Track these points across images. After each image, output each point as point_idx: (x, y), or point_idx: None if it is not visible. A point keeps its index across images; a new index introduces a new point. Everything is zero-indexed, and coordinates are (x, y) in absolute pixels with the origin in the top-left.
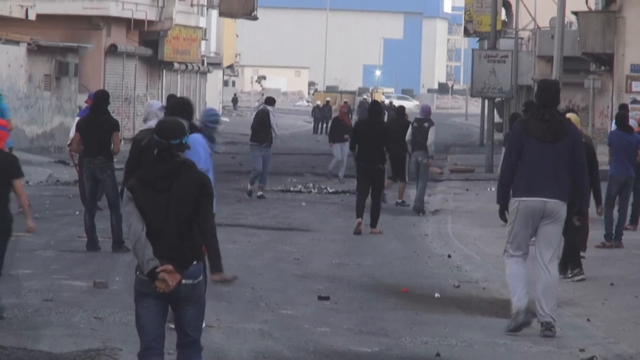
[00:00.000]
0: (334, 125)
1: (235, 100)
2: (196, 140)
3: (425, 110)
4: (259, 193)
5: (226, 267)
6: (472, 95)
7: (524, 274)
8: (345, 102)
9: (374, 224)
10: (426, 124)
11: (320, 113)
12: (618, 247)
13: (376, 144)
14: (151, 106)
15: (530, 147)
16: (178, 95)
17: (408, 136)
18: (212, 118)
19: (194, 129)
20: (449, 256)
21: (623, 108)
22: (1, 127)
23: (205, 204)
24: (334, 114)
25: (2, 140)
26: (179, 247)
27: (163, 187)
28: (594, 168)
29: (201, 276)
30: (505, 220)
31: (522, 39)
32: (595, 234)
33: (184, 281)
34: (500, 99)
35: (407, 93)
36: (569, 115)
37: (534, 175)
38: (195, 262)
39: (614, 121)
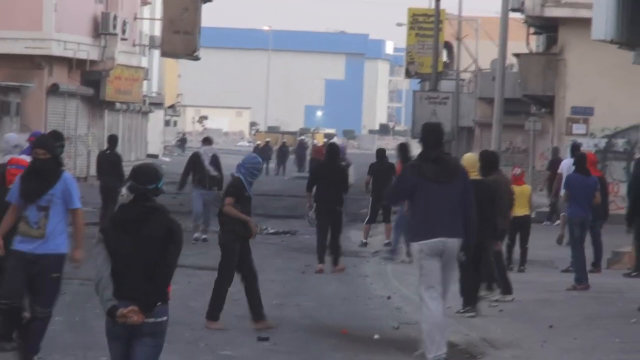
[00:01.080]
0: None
1: (183, 141)
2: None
3: (341, 150)
4: (203, 236)
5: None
6: (413, 137)
7: (442, 318)
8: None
9: (336, 261)
10: (343, 163)
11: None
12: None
13: (335, 185)
14: (7, 142)
15: (425, 189)
16: (119, 135)
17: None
18: (255, 165)
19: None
20: (389, 297)
21: (577, 149)
22: (20, 166)
23: (172, 249)
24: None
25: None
26: (143, 289)
27: (133, 230)
28: (493, 206)
29: (165, 317)
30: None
31: (463, 80)
32: (567, 276)
33: (147, 320)
34: None
35: (349, 134)
36: (466, 155)
37: (432, 217)
38: (159, 303)
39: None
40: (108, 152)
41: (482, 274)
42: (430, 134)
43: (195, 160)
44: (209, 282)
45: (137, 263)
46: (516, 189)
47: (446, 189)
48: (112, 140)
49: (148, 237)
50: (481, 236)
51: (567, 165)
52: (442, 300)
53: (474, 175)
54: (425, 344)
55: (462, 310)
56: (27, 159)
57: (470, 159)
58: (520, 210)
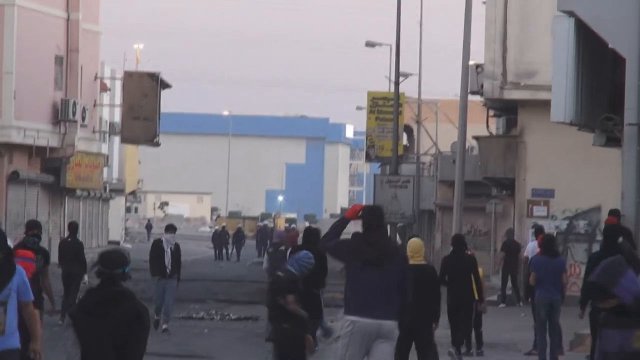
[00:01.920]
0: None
1: (149, 227)
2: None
3: (280, 235)
4: (164, 326)
5: None
6: None
7: None
8: (294, 228)
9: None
10: (282, 248)
11: (217, 238)
12: None
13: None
14: None
15: (361, 271)
16: (80, 222)
17: (265, 263)
18: (309, 264)
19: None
20: None
21: (541, 231)
22: (27, 259)
23: (140, 332)
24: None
25: (29, 272)
26: None
27: (100, 315)
28: (436, 290)
29: None
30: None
31: (423, 163)
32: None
33: None
34: (402, 224)
35: (310, 218)
36: (412, 240)
37: (366, 298)
38: None
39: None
40: (69, 239)
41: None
42: (370, 216)
43: (156, 248)
44: None
45: (106, 346)
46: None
47: (383, 271)
48: (73, 227)
49: (116, 321)
50: (419, 320)
51: (531, 247)
52: None
53: (419, 260)
54: None
55: None
56: None
57: (415, 244)
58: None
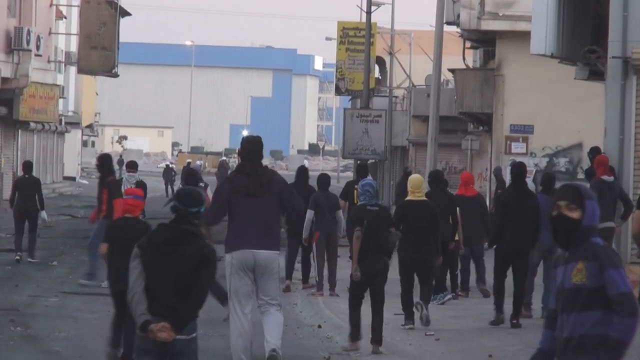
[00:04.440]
0: None
1: (121, 163)
2: None
3: (195, 170)
4: None
5: (84, 337)
6: (343, 157)
7: (248, 334)
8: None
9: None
10: (201, 184)
11: (163, 175)
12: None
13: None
14: None
15: (237, 203)
16: (34, 157)
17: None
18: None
19: None
20: (319, 326)
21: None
22: (137, 197)
23: (205, 274)
24: None
25: (138, 209)
26: (175, 308)
27: (167, 250)
28: (435, 226)
29: (195, 333)
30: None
31: (396, 97)
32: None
33: (178, 337)
34: (373, 160)
35: (276, 155)
36: (412, 176)
37: (243, 229)
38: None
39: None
40: (26, 176)
41: (427, 290)
42: (247, 147)
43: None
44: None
45: (170, 282)
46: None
47: (258, 202)
48: (27, 166)
49: (182, 258)
50: (427, 254)
51: None
52: (249, 314)
53: (419, 196)
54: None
55: (403, 324)
56: None
57: (415, 180)
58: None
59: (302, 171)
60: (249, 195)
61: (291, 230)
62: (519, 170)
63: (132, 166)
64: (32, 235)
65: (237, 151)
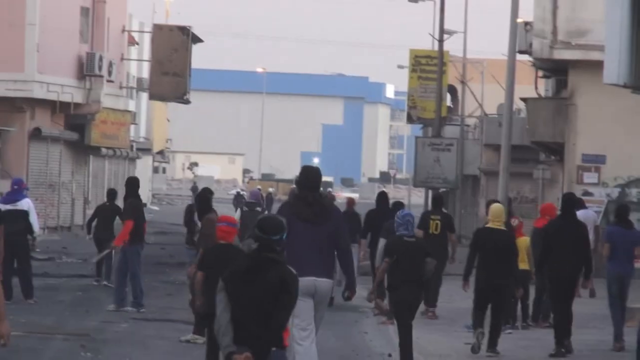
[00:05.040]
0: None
1: (195, 189)
2: None
3: (255, 195)
4: None
5: None
6: (415, 185)
7: (315, 356)
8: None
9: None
10: (258, 209)
11: (236, 201)
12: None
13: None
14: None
15: (298, 229)
16: (105, 182)
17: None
18: (405, 217)
19: None
20: (390, 355)
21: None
22: (231, 224)
23: (284, 299)
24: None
25: (232, 235)
26: (258, 336)
27: (250, 279)
28: (512, 254)
29: None
30: None
31: (468, 126)
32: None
33: None
34: (444, 189)
35: (347, 182)
36: (493, 205)
37: (303, 256)
38: (274, 349)
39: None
40: (107, 204)
41: (497, 324)
42: (307, 176)
43: (190, 214)
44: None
45: (253, 310)
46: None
47: (318, 230)
48: (112, 194)
49: (264, 286)
50: (501, 282)
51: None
52: (314, 340)
53: (498, 225)
54: None
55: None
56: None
57: (496, 209)
58: (519, 264)
59: (383, 196)
60: (312, 222)
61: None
62: (568, 200)
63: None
64: (109, 260)
65: (294, 181)
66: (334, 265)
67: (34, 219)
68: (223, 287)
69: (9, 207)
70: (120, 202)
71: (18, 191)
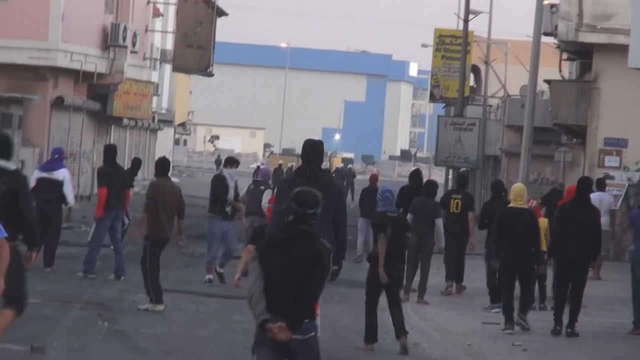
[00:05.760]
0: (366, 195)
1: (218, 162)
2: None
3: (265, 174)
4: (220, 270)
5: (171, 334)
6: (436, 164)
7: None
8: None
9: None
10: (262, 187)
11: (274, 175)
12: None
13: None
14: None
15: None
16: (125, 153)
17: (242, 196)
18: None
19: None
20: (415, 343)
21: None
22: None
23: (318, 271)
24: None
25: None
26: (291, 306)
27: (284, 250)
28: (535, 233)
29: (313, 333)
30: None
31: (490, 106)
32: (596, 315)
33: (294, 336)
34: (465, 168)
35: (368, 159)
36: (515, 185)
37: None
38: (307, 320)
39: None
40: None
41: (528, 296)
42: (308, 150)
43: (219, 184)
44: (216, 310)
45: (287, 281)
46: None
47: None
48: (136, 163)
49: (298, 258)
50: (526, 261)
51: (596, 199)
52: None
53: (520, 203)
54: None
55: (503, 329)
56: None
57: (518, 189)
58: None
59: (417, 174)
60: None
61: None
62: (582, 183)
63: (231, 162)
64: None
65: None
66: (334, 236)
67: (68, 190)
68: (257, 256)
69: (44, 175)
70: (143, 173)
71: (57, 160)
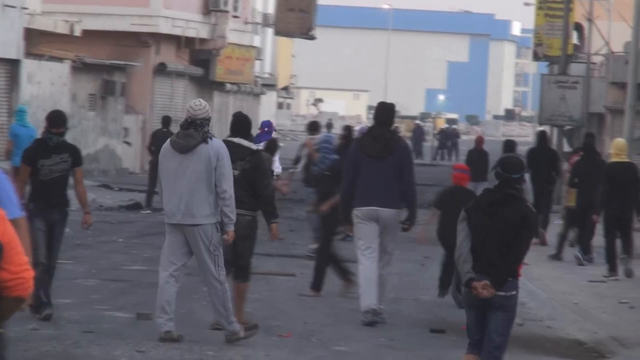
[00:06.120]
0: (472, 158)
1: (329, 126)
2: None
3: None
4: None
5: (276, 299)
6: (540, 123)
7: (375, 274)
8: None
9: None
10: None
11: None
12: None
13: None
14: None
15: (363, 163)
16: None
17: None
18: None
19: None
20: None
21: None
22: (463, 170)
23: (524, 234)
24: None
25: (465, 180)
26: (496, 266)
27: (491, 213)
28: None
29: (514, 291)
30: (350, 223)
31: (594, 64)
32: None
33: (498, 293)
34: (570, 127)
35: (472, 119)
36: (616, 139)
37: (367, 188)
38: (510, 279)
39: None
40: (164, 129)
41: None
42: (380, 112)
43: (300, 153)
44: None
45: (493, 242)
46: None
47: (381, 163)
48: (166, 120)
49: (504, 220)
50: (629, 210)
51: None
52: (377, 260)
53: (623, 158)
54: (360, 297)
55: (607, 275)
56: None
57: (619, 143)
58: None
59: (543, 135)
60: (375, 157)
61: None
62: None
63: (314, 128)
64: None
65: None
66: (399, 195)
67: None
68: (465, 217)
69: None
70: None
71: (267, 133)
